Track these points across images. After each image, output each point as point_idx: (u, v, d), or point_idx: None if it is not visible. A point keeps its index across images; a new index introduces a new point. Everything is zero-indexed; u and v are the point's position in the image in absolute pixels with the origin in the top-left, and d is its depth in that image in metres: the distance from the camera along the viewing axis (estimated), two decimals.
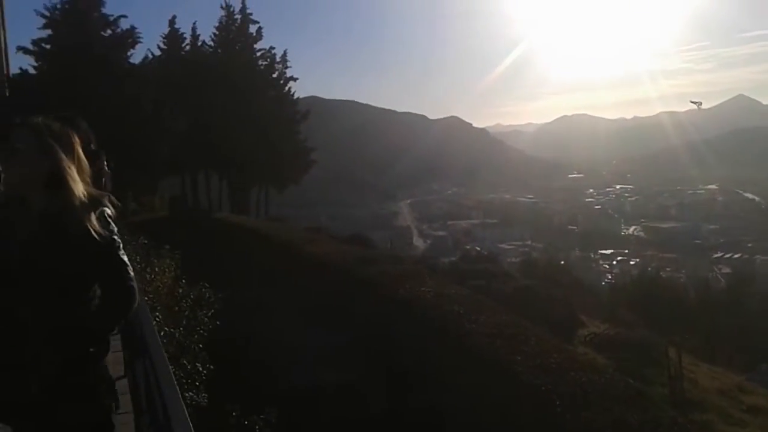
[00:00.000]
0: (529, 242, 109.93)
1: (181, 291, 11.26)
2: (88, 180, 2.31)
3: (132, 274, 2.29)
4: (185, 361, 7.65)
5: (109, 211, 2.28)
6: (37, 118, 2.28)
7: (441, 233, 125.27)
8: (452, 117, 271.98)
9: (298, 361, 12.81)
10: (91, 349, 2.25)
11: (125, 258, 2.29)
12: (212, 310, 11.79)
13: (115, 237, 2.27)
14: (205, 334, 10.48)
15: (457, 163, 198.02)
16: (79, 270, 2.18)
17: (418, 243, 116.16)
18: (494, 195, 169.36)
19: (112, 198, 2.36)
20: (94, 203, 2.25)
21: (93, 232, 2.17)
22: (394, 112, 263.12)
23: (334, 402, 11.25)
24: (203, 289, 12.32)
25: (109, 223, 2.26)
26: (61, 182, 2.16)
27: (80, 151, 2.29)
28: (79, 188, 2.21)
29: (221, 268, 19.85)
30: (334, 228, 49.73)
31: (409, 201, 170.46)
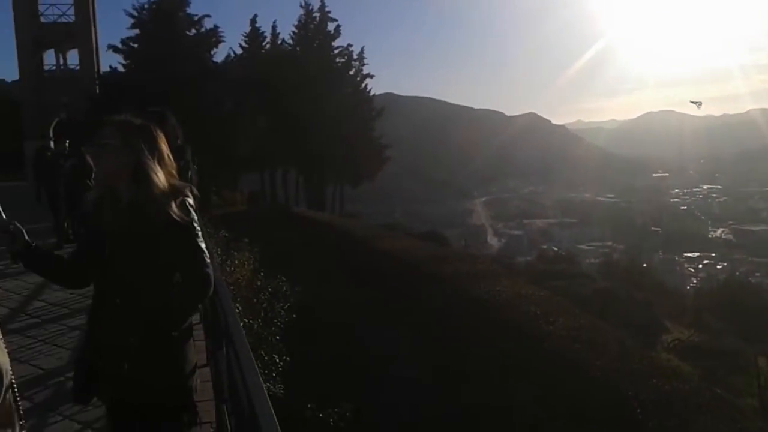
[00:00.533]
0: (609, 243, 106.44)
1: (259, 284, 11.55)
2: (173, 172, 2.45)
3: (209, 260, 2.40)
4: (262, 352, 7.84)
5: (190, 200, 2.41)
6: (122, 116, 2.44)
7: (517, 232, 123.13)
8: (530, 113, 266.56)
9: (370, 355, 12.86)
10: (174, 333, 2.38)
11: (203, 245, 2.40)
12: (288, 303, 12.03)
13: (195, 224, 2.39)
14: (282, 326, 10.71)
15: (534, 161, 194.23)
16: (163, 256, 2.33)
17: (493, 242, 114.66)
18: (573, 194, 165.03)
19: (194, 189, 2.48)
20: (176, 193, 2.38)
21: (174, 219, 2.30)
22: (471, 108, 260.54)
23: (404, 397, 11.24)
24: (280, 283, 12.57)
25: (190, 212, 2.39)
26: (144, 174, 2.31)
27: (163, 145, 2.43)
28: (161, 179, 2.35)
29: (297, 262, 20.20)
30: (408, 225, 49.77)
31: (484, 199, 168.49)
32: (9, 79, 54.41)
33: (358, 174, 39.34)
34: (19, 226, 2.40)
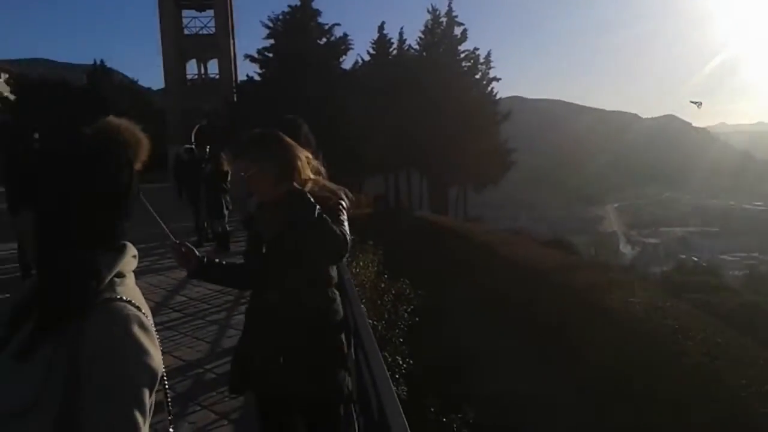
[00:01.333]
0: (756, 254, 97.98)
1: (383, 286, 11.64)
2: (319, 177, 2.56)
3: (348, 237, 2.44)
4: (386, 354, 7.88)
5: (344, 203, 2.55)
6: (262, 128, 2.54)
7: (652, 240, 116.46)
8: (668, 115, 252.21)
9: (491, 365, 12.60)
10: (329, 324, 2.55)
11: (347, 227, 2.48)
12: (411, 306, 12.03)
13: (342, 220, 2.50)
14: (405, 328, 10.72)
15: (672, 165, 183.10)
16: (316, 254, 2.44)
17: (626, 250, 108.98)
18: (715, 200, 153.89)
19: (347, 192, 2.63)
20: (328, 195, 2.50)
21: (327, 221, 2.38)
22: (602, 110, 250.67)
23: (526, 412, 10.90)
24: (404, 285, 12.60)
25: (342, 213, 2.52)
26: (293, 178, 2.42)
27: (303, 152, 2.53)
28: (308, 179, 2.48)
29: (419, 265, 20.20)
30: (533, 231, 48.54)
31: (616, 205, 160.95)
32: (155, 88, 59.10)
33: (482, 178, 38.90)
34: (190, 245, 2.53)
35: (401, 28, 38.05)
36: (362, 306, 3.70)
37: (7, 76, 41.06)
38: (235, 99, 32.53)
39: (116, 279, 1.24)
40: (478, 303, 15.61)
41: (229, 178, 11.88)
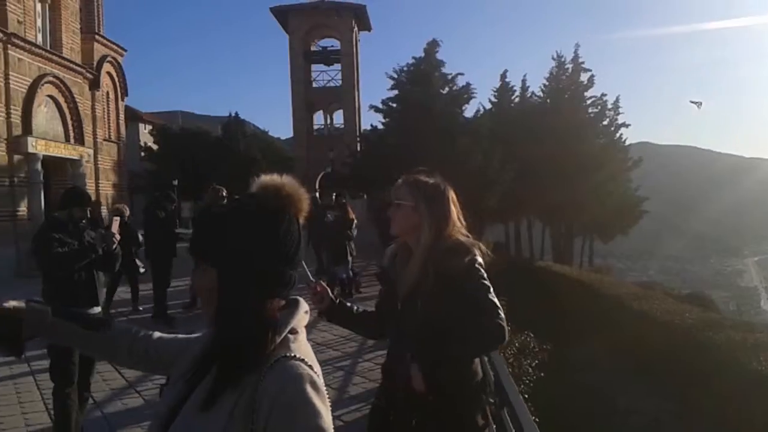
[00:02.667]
0: None
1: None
2: (462, 230, 2.55)
3: (502, 315, 2.38)
4: None
5: (479, 259, 2.47)
6: (414, 175, 2.60)
7: None
8: None
9: (629, 428, 11.76)
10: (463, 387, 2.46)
11: (495, 300, 2.41)
12: (536, 361, 11.56)
13: (484, 281, 2.43)
14: (531, 384, 10.30)
15: None
16: (451, 308, 2.39)
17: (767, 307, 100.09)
18: None
19: (482, 246, 2.55)
20: (465, 250, 2.44)
21: (462, 275, 2.37)
22: (740, 157, 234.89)
23: None
24: (528, 338, 12.16)
25: (479, 270, 2.44)
26: (435, 231, 2.43)
27: (452, 203, 2.56)
28: (450, 236, 2.46)
29: (544, 317, 19.48)
30: (666, 284, 45.67)
31: (757, 258, 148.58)
32: (284, 137, 62.20)
33: (609, 227, 37.28)
34: (325, 285, 2.56)
35: (524, 76, 37.77)
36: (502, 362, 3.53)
37: (151, 127, 44.68)
38: (359, 148, 33.45)
39: (290, 335, 1.28)
40: (613, 359, 14.74)
41: (353, 225, 12.17)
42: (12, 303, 1.44)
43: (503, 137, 30.97)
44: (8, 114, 16.80)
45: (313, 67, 41.12)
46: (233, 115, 45.30)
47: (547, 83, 37.45)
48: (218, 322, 1.27)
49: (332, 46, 41.18)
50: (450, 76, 30.53)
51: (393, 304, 2.52)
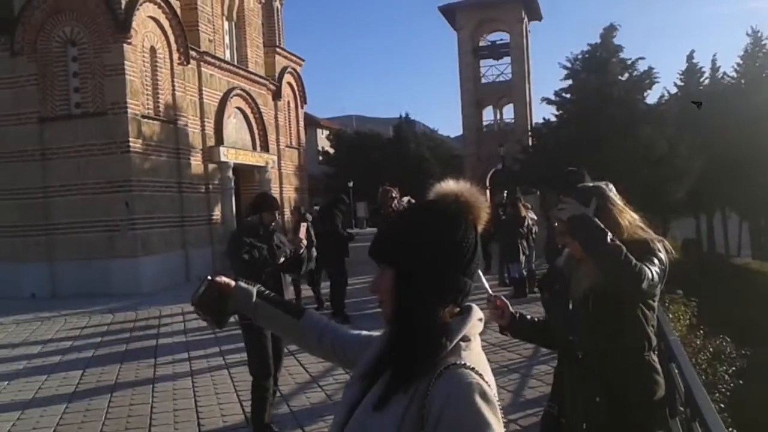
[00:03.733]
0: None
1: (698, 342, 10.41)
2: (636, 228, 2.46)
3: (653, 277, 2.29)
4: None
5: (662, 256, 2.39)
6: (575, 179, 2.64)
7: None
8: None
9: None
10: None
11: (655, 270, 2.31)
12: (733, 367, 10.59)
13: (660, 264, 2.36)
14: (728, 393, 9.45)
15: None
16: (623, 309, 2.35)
17: None
18: None
19: (666, 243, 2.47)
20: (647, 247, 2.38)
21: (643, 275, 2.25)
22: None
23: None
24: (723, 343, 11.15)
25: (658, 251, 2.38)
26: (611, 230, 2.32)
27: (616, 203, 2.48)
28: (629, 231, 2.41)
29: (741, 319, 17.72)
30: None
31: None
32: (453, 135, 62.45)
33: None
34: (505, 299, 2.51)
35: (714, 55, 34.61)
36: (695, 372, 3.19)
37: (327, 132, 47.00)
38: (530, 142, 32.63)
39: (462, 343, 1.26)
40: None
41: (525, 223, 11.83)
42: (223, 278, 1.57)
43: (691, 123, 28.61)
44: (203, 126, 18.47)
45: (482, 62, 40.82)
46: (404, 116, 46.35)
47: (741, 62, 33.99)
48: (392, 324, 1.30)
49: (501, 39, 40.61)
50: (629, 61, 28.79)
51: (565, 306, 2.48)
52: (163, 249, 15.66)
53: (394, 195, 9.34)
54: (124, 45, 14.90)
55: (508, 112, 40.89)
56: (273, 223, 5.17)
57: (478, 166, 37.61)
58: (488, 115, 41.97)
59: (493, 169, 37.33)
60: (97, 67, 15.02)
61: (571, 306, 2.45)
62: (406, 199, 9.62)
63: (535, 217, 13.30)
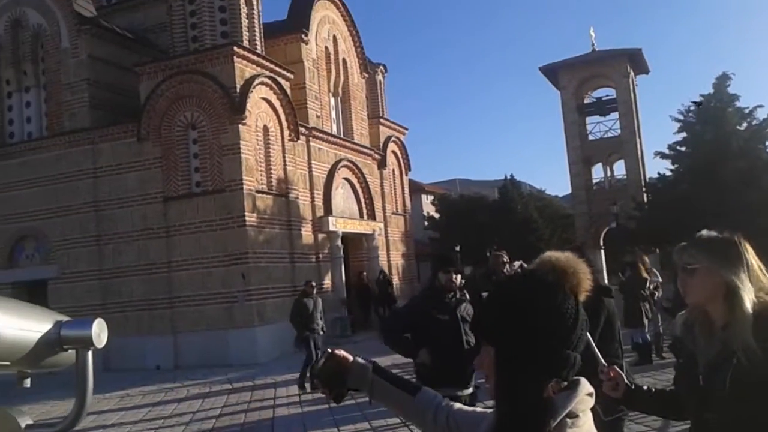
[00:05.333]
0: None
1: None
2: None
3: None
4: None
5: None
6: (705, 234, 2.28)
7: None
8: None
9: None
10: None
11: None
12: None
13: None
14: None
15: None
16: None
17: None
18: None
19: None
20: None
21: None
22: None
23: None
24: None
25: None
26: (734, 295, 2.10)
27: (753, 260, 2.19)
28: (749, 299, 2.11)
29: None
30: None
31: None
32: (561, 194, 61.04)
33: None
34: (618, 369, 2.36)
35: None
36: None
37: (432, 197, 47.26)
38: (645, 199, 31.26)
39: (568, 419, 1.20)
40: None
41: (647, 284, 11.15)
42: (342, 352, 1.57)
43: None
44: (312, 197, 19.11)
45: (588, 119, 40.03)
46: (508, 177, 45.93)
47: None
48: (496, 400, 1.27)
49: (607, 95, 39.77)
50: (747, 110, 27.24)
51: (694, 380, 2.22)
52: (277, 318, 16.06)
53: (505, 260, 9.11)
54: (240, 126, 15.82)
55: (619, 169, 39.56)
56: (453, 287, 4.26)
57: (591, 225, 36.36)
58: (597, 172, 40.77)
59: (606, 228, 35.91)
60: (215, 147, 15.99)
61: (701, 380, 2.17)
62: (517, 263, 9.36)
63: (660, 279, 12.47)
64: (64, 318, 1.03)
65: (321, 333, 11.74)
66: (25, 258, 17.80)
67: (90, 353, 1.01)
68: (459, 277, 4.41)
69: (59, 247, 17.13)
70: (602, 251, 35.32)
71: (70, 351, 1.02)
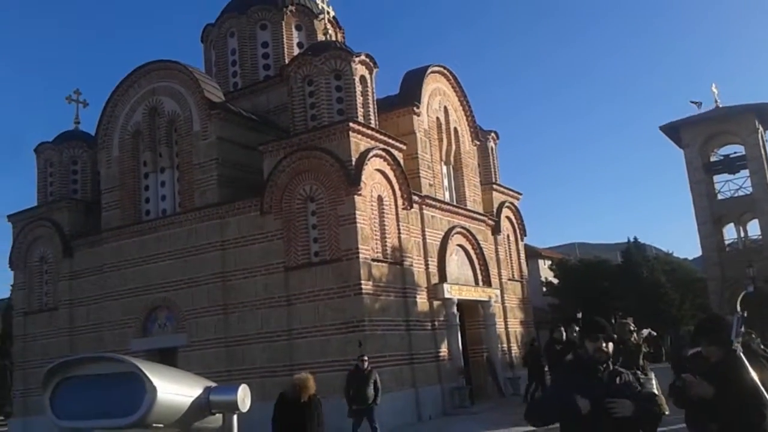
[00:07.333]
0: None
1: None
2: None
3: None
4: None
5: None
6: None
7: None
8: None
9: None
10: None
11: None
12: None
13: None
14: None
15: None
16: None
17: None
18: None
19: None
20: None
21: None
22: None
23: None
24: None
25: None
26: None
27: None
28: None
29: None
30: None
31: None
32: (691, 257, 57.43)
33: None
34: None
35: None
36: None
37: (549, 262, 45.96)
38: None
39: None
40: None
41: None
42: None
43: None
44: (426, 265, 19.16)
45: (716, 177, 37.89)
46: (632, 240, 43.96)
47: None
48: None
49: (735, 152, 37.60)
50: None
51: None
52: (394, 387, 15.94)
53: (632, 328, 8.68)
54: (356, 197, 16.33)
55: (753, 228, 36.90)
56: (604, 356, 3.77)
57: (724, 289, 33.85)
58: (730, 232, 38.20)
59: (743, 292, 33.27)
60: (333, 218, 16.55)
61: None
62: (646, 331, 8.88)
63: None
64: (212, 384, 1.12)
65: (375, 405, 12.60)
66: (158, 327, 18.96)
67: (235, 417, 1.09)
68: (610, 345, 3.88)
69: (189, 316, 18.14)
70: (742, 317, 32.72)
71: (217, 414, 1.11)
